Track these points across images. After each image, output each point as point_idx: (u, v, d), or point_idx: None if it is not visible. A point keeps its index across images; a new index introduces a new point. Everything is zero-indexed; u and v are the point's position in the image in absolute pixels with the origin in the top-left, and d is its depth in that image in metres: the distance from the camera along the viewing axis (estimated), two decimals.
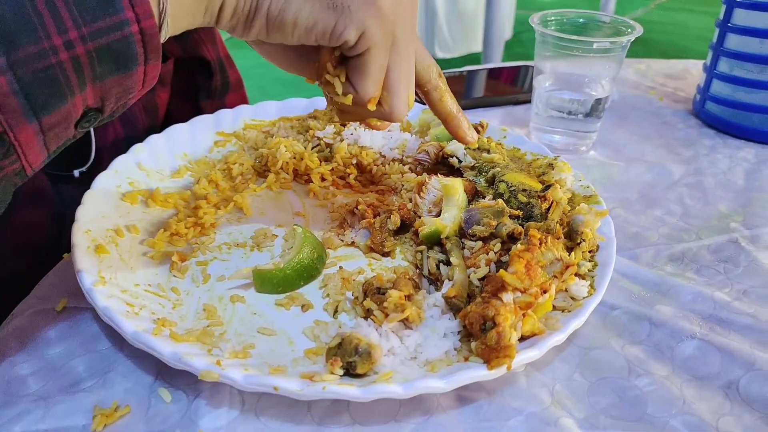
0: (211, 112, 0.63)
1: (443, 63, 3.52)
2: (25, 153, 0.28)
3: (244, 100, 0.78)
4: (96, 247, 0.42)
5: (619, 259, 0.47)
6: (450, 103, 0.48)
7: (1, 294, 0.46)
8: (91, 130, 0.60)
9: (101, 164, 0.57)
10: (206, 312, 0.40)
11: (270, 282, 0.42)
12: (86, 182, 0.50)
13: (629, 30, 0.60)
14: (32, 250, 0.54)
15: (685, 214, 0.55)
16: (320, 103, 0.66)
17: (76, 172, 0.62)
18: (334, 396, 0.31)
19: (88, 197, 0.46)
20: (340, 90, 0.39)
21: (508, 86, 0.81)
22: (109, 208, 0.47)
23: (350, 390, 0.32)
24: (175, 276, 0.43)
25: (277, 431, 0.33)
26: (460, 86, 0.81)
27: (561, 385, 0.36)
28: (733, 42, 0.68)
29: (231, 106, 0.69)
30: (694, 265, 0.48)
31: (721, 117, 0.70)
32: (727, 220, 0.54)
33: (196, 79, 0.74)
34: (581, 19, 0.65)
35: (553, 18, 0.64)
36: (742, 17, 0.66)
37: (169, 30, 0.32)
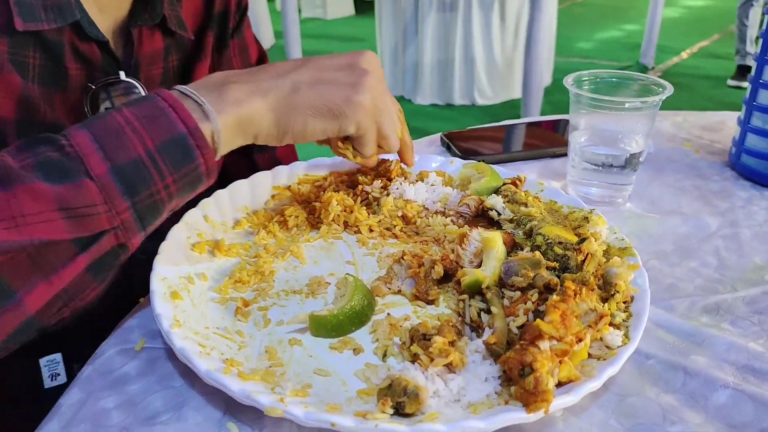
0: (264, 164, 0.68)
1: (483, 109, 3.59)
2: (133, 246, 0.44)
3: (293, 152, 0.84)
4: (171, 293, 0.47)
5: (653, 309, 0.49)
6: (405, 134, 0.62)
7: (82, 332, 0.52)
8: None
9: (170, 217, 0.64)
10: (268, 354, 0.44)
11: (324, 327, 0.46)
12: (155, 233, 0.56)
13: (660, 89, 0.64)
14: (105, 292, 0.60)
15: (721, 266, 0.56)
16: None
17: None
18: None
19: (164, 248, 0.51)
20: (350, 156, 0.57)
21: (545, 140, 0.84)
22: (181, 258, 0.52)
23: (400, 428, 0.35)
24: (239, 320, 0.47)
25: None
26: (499, 140, 0.85)
27: (597, 430, 0.39)
28: (765, 97, 0.70)
29: (282, 158, 0.74)
30: (729, 317, 0.49)
31: (757, 169, 0.72)
32: (762, 272, 0.55)
33: None
34: (614, 79, 0.68)
35: (586, 78, 0.68)
36: None
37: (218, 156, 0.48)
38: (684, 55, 4.67)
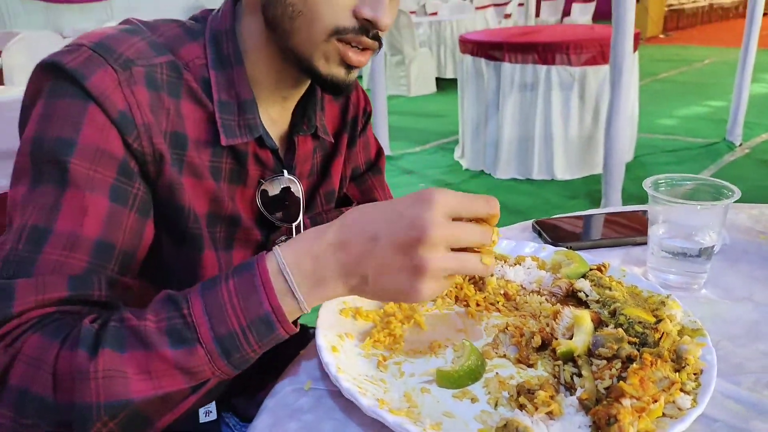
0: None
1: (562, 184, 3.68)
2: (231, 377, 0.57)
3: None
4: (332, 347, 0.62)
5: (721, 382, 0.59)
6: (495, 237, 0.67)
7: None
8: (302, 204, 0.82)
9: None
10: (406, 398, 0.57)
11: (448, 380, 0.59)
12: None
13: (729, 193, 0.74)
14: None
15: None
16: None
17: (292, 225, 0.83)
18: None
19: (322, 313, 0.67)
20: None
21: (627, 229, 0.95)
22: (333, 320, 0.67)
23: None
24: (380, 371, 0.62)
25: None
26: (585, 227, 0.97)
27: None
28: None
29: None
30: None
31: None
32: None
33: None
34: (687, 182, 0.80)
35: (663, 181, 0.79)
36: None
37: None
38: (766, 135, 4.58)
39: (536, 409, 0.52)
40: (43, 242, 0.56)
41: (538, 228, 0.96)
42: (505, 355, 0.64)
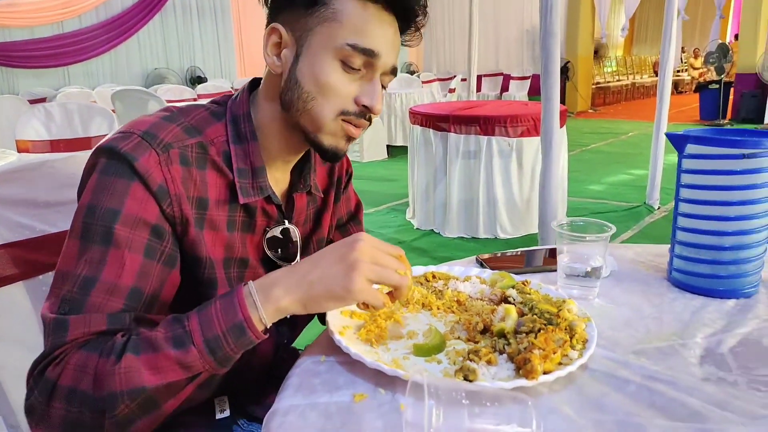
0: None
1: (504, 242, 4.06)
2: (219, 374, 0.77)
3: None
4: (338, 331, 0.88)
5: (601, 350, 0.88)
6: (408, 272, 0.86)
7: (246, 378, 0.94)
8: None
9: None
10: (393, 362, 0.83)
11: (421, 350, 0.85)
12: (291, 323, 0.99)
13: (608, 229, 1.07)
14: (262, 363, 1.01)
15: (648, 333, 0.95)
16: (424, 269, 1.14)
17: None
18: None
19: (329, 314, 0.93)
20: (367, 317, 0.93)
21: (545, 260, 1.27)
22: (337, 315, 0.94)
23: (462, 383, 0.74)
24: (374, 348, 0.88)
25: None
26: (516, 260, 1.28)
27: (566, 403, 0.77)
28: (680, 234, 1.13)
29: None
30: (637, 355, 0.88)
31: (682, 281, 1.13)
32: (673, 335, 0.94)
33: None
34: (581, 223, 1.12)
35: (564, 223, 1.11)
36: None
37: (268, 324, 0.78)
38: None
39: (480, 359, 0.80)
40: (91, 288, 0.75)
41: (480, 260, 1.26)
42: (459, 338, 0.92)
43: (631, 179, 6.10)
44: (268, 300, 0.77)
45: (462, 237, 4.24)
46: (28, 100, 6.00)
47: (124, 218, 0.77)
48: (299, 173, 1.00)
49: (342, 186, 1.13)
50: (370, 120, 0.91)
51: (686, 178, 1.12)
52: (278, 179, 0.97)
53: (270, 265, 0.96)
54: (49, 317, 0.75)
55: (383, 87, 0.90)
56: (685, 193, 1.13)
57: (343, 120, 0.88)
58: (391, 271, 0.80)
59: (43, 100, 7.25)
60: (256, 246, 0.94)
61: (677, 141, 1.11)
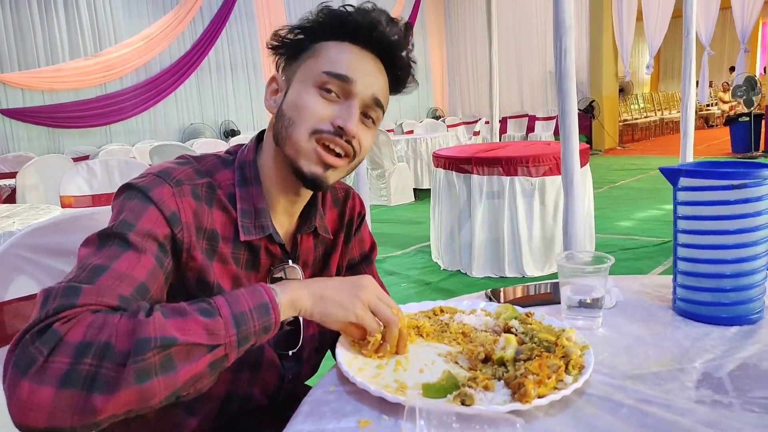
0: None
1: (531, 281, 4.04)
2: (230, 360, 0.79)
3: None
4: (347, 362, 0.94)
5: (598, 376, 0.91)
6: (403, 328, 0.98)
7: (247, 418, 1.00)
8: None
9: (304, 347, 1.08)
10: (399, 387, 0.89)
11: (429, 390, 0.91)
12: (296, 357, 1.06)
13: (607, 260, 1.11)
14: (266, 394, 1.07)
15: (647, 359, 0.98)
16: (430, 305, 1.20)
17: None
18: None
19: (339, 343, 0.99)
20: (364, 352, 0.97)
21: (550, 292, 1.31)
22: (348, 348, 1.00)
23: (460, 408, 0.79)
24: (379, 371, 0.93)
25: None
26: (521, 293, 1.32)
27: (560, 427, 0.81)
28: (681, 264, 1.16)
29: None
30: (635, 382, 0.91)
31: (687, 310, 1.15)
32: (674, 360, 0.97)
33: None
34: (582, 255, 1.17)
35: (565, 256, 1.16)
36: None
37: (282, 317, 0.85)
38: None
39: (477, 385, 0.84)
40: (100, 274, 0.77)
41: (489, 294, 1.31)
42: (461, 366, 0.96)
43: (661, 214, 6.02)
44: (285, 292, 0.86)
45: (489, 276, 4.25)
46: (72, 158, 6.33)
47: (137, 230, 0.84)
48: (305, 217, 1.07)
49: (353, 228, 1.18)
50: (351, 146, 0.95)
51: (682, 210, 1.16)
52: (283, 222, 1.04)
53: None
54: (55, 287, 0.74)
55: (373, 121, 0.99)
56: (682, 224, 1.17)
57: (316, 140, 0.93)
58: (386, 307, 0.93)
59: (86, 157, 7.67)
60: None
61: (670, 175, 1.16)
